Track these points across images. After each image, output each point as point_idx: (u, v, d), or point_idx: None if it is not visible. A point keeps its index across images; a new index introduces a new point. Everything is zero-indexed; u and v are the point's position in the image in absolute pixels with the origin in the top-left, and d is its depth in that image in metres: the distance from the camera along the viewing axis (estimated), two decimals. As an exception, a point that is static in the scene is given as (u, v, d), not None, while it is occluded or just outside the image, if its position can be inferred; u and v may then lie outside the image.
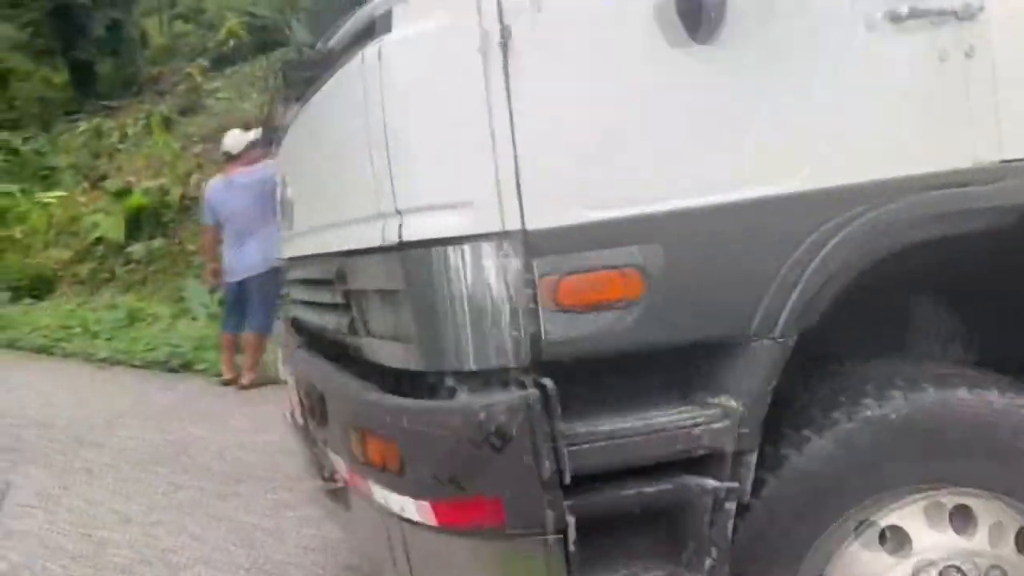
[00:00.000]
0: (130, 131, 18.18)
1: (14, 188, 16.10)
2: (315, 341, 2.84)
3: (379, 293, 1.97)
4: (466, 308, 1.71)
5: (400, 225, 1.75)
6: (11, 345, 8.72)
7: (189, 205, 13.18)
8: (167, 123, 16.51)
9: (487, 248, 1.70)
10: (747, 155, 1.78)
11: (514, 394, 1.68)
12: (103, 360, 7.95)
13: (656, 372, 1.84)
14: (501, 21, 1.68)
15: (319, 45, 2.18)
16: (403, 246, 1.75)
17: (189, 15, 27.75)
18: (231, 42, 17.63)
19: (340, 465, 2.24)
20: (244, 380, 6.70)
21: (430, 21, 1.71)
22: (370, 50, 1.76)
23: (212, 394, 6.64)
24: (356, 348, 2.21)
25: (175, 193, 13.18)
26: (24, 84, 24.46)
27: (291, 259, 2.92)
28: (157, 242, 12.66)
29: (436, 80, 1.71)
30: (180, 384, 7.05)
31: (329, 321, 2.47)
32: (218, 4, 27.06)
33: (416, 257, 1.74)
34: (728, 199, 1.75)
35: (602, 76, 1.74)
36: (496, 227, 1.70)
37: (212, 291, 11.18)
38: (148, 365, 7.63)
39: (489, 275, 1.70)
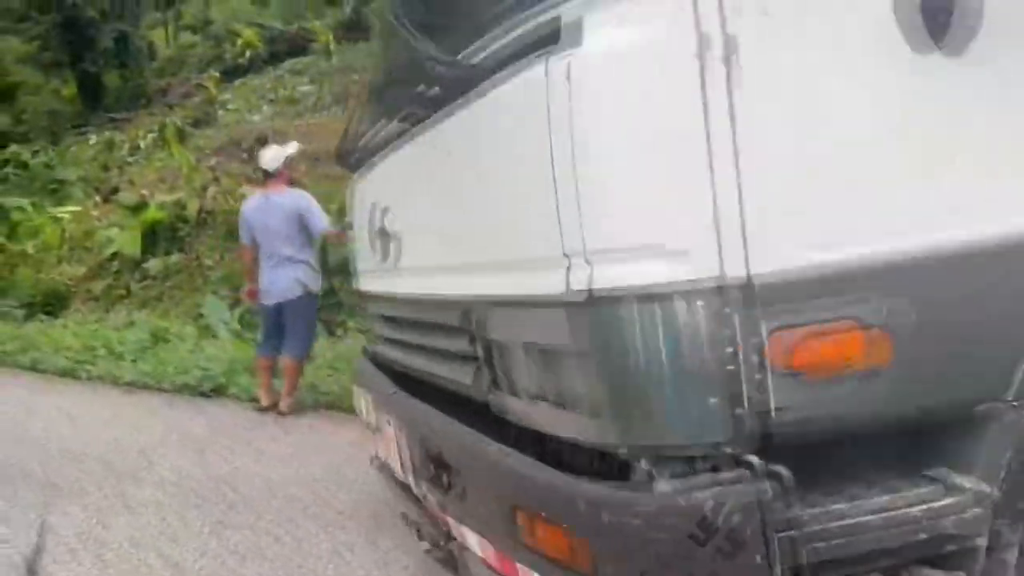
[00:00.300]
0: (141, 143, 17.96)
1: (24, 202, 15.85)
2: (411, 384, 2.57)
3: (537, 348, 1.69)
4: (675, 373, 1.43)
5: (590, 272, 1.46)
6: (34, 367, 8.40)
7: (206, 219, 12.97)
8: (180, 135, 16.25)
9: (703, 301, 1.42)
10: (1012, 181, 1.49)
11: (747, 487, 1.39)
12: (130, 384, 7.64)
13: (888, 444, 1.55)
14: (723, 30, 1.40)
15: (445, 60, 1.89)
16: (591, 298, 1.47)
17: (196, 26, 27.60)
18: (247, 52, 17.33)
19: (469, 538, 1.96)
20: (282, 407, 6.41)
21: (634, 31, 1.43)
22: (556, 65, 1.48)
23: (249, 421, 6.34)
24: (488, 404, 1.93)
25: (192, 207, 12.94)
26: (32, 97, 24.29)
27: (386, 295, 2.64)
28: (174, 257, 12.41)
29: (642, 100, 1.43)
30: (214, 410, 6.75)
31: (445, 370, 2.19)
32: (225, 15, 26.98)
33: (610, 311, 1.45)
34: (989, 234, 1.46)
35: (836, 89, 1.46)
36: (714, 274, 1.42)
37: (232, 306, 10.98)
38: (178, 389, 7.33)
39: (705, 333, 1.42)
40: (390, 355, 2.76)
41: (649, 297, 1.42)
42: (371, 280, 2.84)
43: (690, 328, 1.41)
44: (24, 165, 18.67)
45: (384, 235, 2.47)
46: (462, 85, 1.84)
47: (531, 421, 1.75)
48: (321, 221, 6.30)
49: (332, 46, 19.17)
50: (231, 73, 21.43)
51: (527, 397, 1.72)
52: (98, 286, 12.86)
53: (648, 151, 1.43)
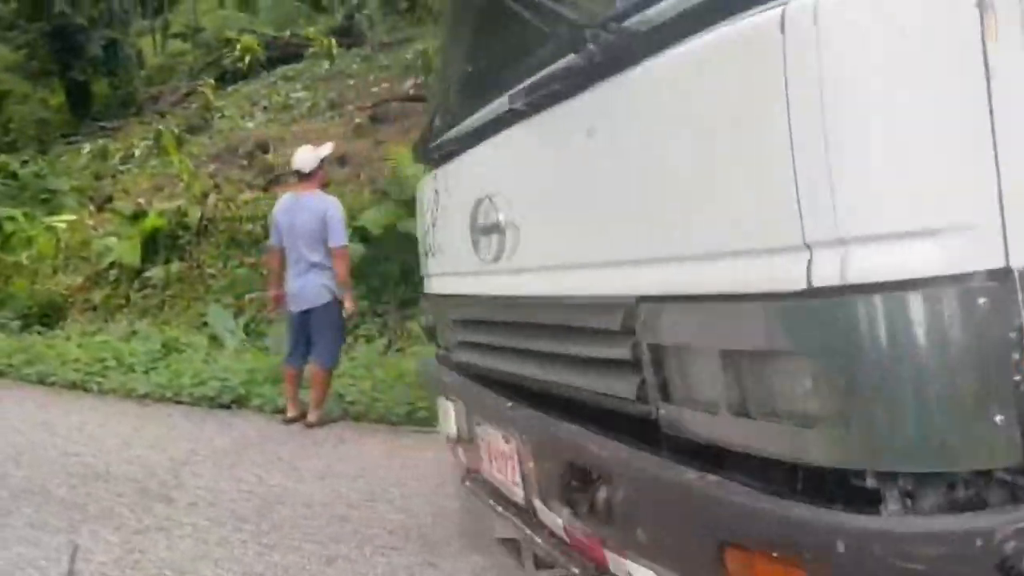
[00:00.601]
0: (136, 151, 17.63)
1: (16, 212, 15.53)
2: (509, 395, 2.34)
3: (744, 354, 1.45)
4: (954, 381, 1.20)
5: (841, 262, 1.23)
6: (42, 380, 8.10)
7: (207, 227, 12.71)
8: (178, 142, 15.94)
9: (988, 296, 1.18)
10: None
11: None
12: (145, 396, 7.36)
13: None
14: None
15: (605, 25, 1.65)
16: (844, 292, 1.23)
17: (187, 34, 27.24)
18: (247, 58, 17.06)
19: (639, 573, 1.71)
20: (311, 418, 6.16)
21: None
22: (798, 11, 1.24)
23: (277, 434, 6.08)
24: (651, 418, 1.69)
25: (192, 215, 12.67)
26: (20, 106, 23.91)
27: (491, 297, 2.40)
28: (175, 266, 12.14)
29: (913, 54, 1.20)
30: (237, 422, 6.48)
31: (583, 379, 1.95)
32: (215, 24, 26.64)
33: (869, 307, 1.22)
34: None
35: None
36: (998, 262, 1.19)
37: (236, 315, 10.71)
38: (196, 401, 7.06)
39: (992, 334, 1.19)
40: (488, 363, 2.52)
41: (922, 290, 1.18)
42: (464, 282, 2.60)
43: (973, 327, 1.18)
44: (13, 175, 18.28)
45: (494, 231, 2.22)
46: (629, 51, 1.61)
47: (724, 438, 1.51)
48: (340, 235, 6.06)
49: (334, 50, 18.87)
50: (223, 80, 21.14)
51: (724, 410, 1.48)
52: (96, 296, 12.57)
53: (922, 115, 1.20)
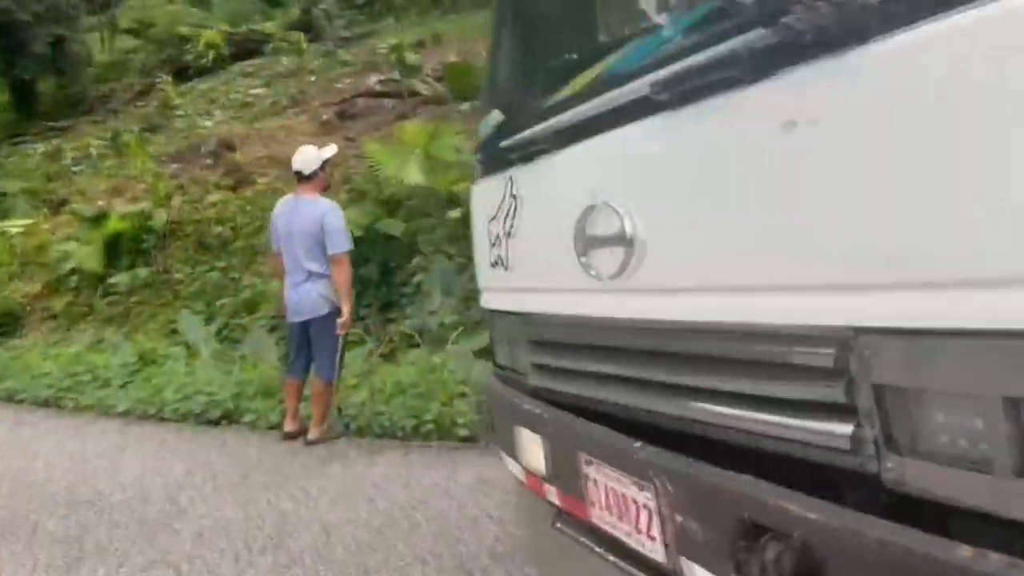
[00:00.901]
0: (93, 151, 16.97)
1: (-38, 218, 14.85)
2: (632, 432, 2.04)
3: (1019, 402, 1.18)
4: None
5: None
6: (10, 398, 7.60)
7: (174, 229, 12.25)
8: (140, 142, 15.34)
9: None
10: None
11: None
12: (125, 413, 6.93)
13: None
14: None
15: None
16: None
17: (138, 29, 26.37)
18: (210, 54, 16.50)
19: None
20: (312, 435, 5.80)
21: None
22: None
23: (277, 453, 5.70)
24: (872, 473, 1.41)
25: (158, 217, 12.18)
26: (-37, 107, 22.97)
27: (605, 321, 2.10)
28: (141, 271, 11.64)
29: None
30: (232, 440, 6.09)
31: (751, 420, 1.66)
32: (168, 18, 25.86)
33: None
34: None
35: None
36: None
37: (208, 321, 10.26)
38: (182, 418, 6.64)
39: None
40: (585, 392, 2.22)
41: None
42: (558, 300, 2.30)
43: None
44: (-43, 178, 17.54)
45: (614, 242, 1.93)
46: (859, 26, 1.32)
47: (996, 504, 1.24)
48: (339, 241, 5.68)
49: (303, 45, 18.36)
50: (178, 77, 20.49)
51: (1004, 470, 1.21)
52: (57, 304, 12.05)
53: None
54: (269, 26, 21.00)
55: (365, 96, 15.89)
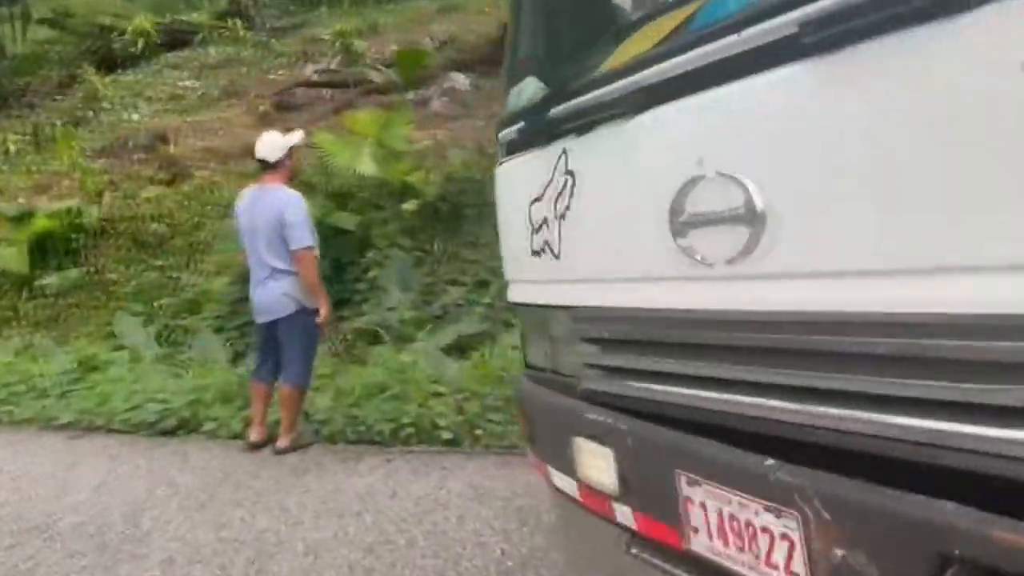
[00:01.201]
0: (12, 147, 16.03)
1: None
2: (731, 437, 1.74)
3: None
4: None
5: None
6: (-64, 413, 6.97)
7: (107, 228, 11.62)
8: (68, 137, 14.52)
9: None
10: None
11: None
12: (69, 425, 6.37)
13: None
14: None
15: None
16: None
17: (55, 20, 25.13)
18: (140, 43, 15.73)
19: None
20: (281, 444, 5.36)
21: None
22: None
23: (245, 464, 5.25)
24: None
25: (88, 215, 11.52)
26: None
27: (706, 312, 1.77)
28: (72, 272, 10.97)
29: None
30: (192, 452, 5.60)
31: (943, 432, 1.36)
32: (86, 8, 24.73)
33: None
34: None
35: None
36: None
37: (146, 323, 9.71)
38: (134, 429, 6.13)
39: None
40: (681, 400, 1.89)
41: None
42: (636, 291, 1.96)
43: None
44: None
45: (734, 221, 1.60)
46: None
47: None
48: (301, 235, 5.23)
49: (241, 33, 17.68)
50: (101, 69, 19.55)
51: None
52: (-22, 307, 11.26)
53: None
54: (198, 16, 20.18)
55: (304, 86, 15.36)
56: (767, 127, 1.58)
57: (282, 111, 14.60)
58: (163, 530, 4.29)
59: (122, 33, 17.99)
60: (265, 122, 14.32)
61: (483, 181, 9.37)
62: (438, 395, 5.73)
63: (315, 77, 15.87)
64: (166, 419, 6.06)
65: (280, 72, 17.58)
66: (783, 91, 1.53)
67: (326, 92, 15.07)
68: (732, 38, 1.61)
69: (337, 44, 14.63)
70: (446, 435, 5.26)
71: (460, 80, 13.18)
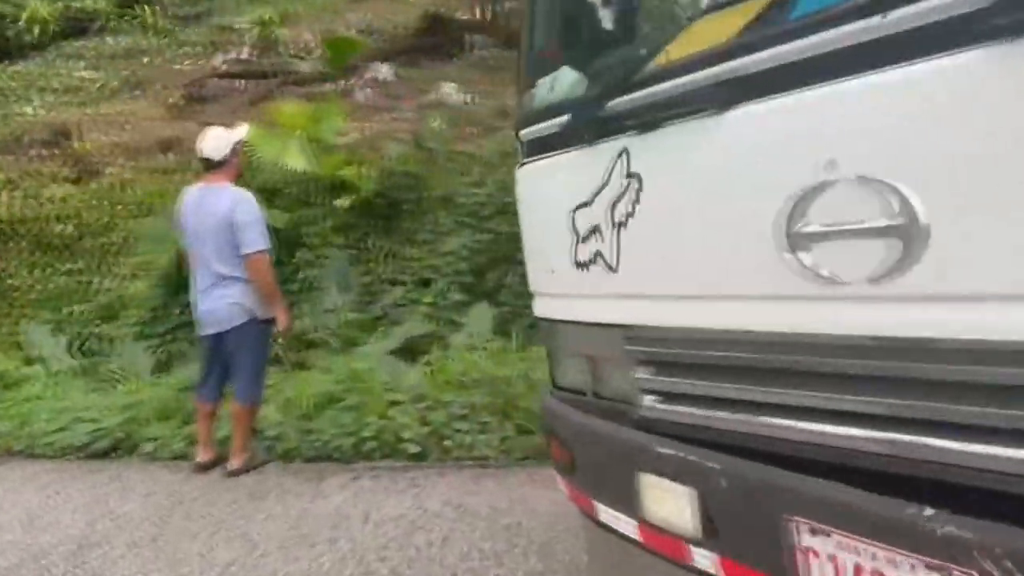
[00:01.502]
0: None
1: None
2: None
3: None
4: None
5: None
6: None
7: (7, 230, 10.86)
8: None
9: None
10: None
11: None
12: (-15, 451, 5.83)
13: None
14: None
15: None
16: None
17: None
18: (36, 30, 14.78)
19: None
20: (233, 464, 4.96)
21: None
22: None
23: (195, 489, 4.82)
24: None
25: (-11, 216, 10.76)
26: None
27: (832, 338, 1.54)
28: (-29, 279, 10.22)
29: None
30: (133, 476, 5.14)
31: None
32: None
33: None
34: None
35: None
36: None
37: (55, 332, 9.09)
38: (61, 453, 5.62)
39: None
40: (779, 433, 1.67)
41: None
42: (731, 313, 1.72)
43: None
44: None
45: (876, 233, 1.38)
46: None
47: None
48: (253, 238, 4.82)
49: (157, 22, 16.78)
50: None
51: None
52: None
53: None
54: (98, 3, 19.14)
55: (216, 77, 14.68)
56: (923, 126, 1.35)
57: (193, 103, 13.94)
58: (112, 570, 3.87)
59: (15, 20, 16.85)
60: (175, 115, 13.67)
61: (420, 176, 9.05)
62: (396, 403, 5.41)
63: (225, 67, 15.21)
64: (98, 441, 5.58)
65: (187, 62, 16.82)
66: (957, 79, 1.30)
67: (239, 83, 14.46)
68: (875, 20, 1.38)
69: (255, 32, 13.95)
70: (412, 448, 4.95)
71: (384, 70, 12.77)
